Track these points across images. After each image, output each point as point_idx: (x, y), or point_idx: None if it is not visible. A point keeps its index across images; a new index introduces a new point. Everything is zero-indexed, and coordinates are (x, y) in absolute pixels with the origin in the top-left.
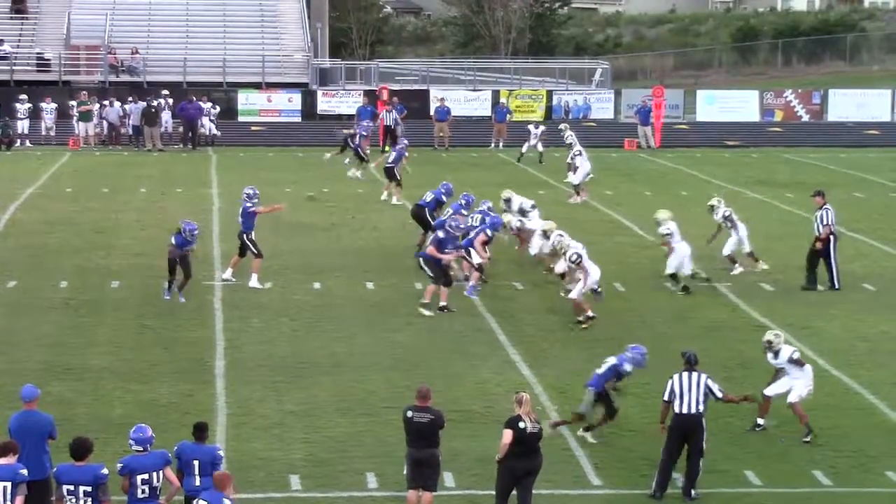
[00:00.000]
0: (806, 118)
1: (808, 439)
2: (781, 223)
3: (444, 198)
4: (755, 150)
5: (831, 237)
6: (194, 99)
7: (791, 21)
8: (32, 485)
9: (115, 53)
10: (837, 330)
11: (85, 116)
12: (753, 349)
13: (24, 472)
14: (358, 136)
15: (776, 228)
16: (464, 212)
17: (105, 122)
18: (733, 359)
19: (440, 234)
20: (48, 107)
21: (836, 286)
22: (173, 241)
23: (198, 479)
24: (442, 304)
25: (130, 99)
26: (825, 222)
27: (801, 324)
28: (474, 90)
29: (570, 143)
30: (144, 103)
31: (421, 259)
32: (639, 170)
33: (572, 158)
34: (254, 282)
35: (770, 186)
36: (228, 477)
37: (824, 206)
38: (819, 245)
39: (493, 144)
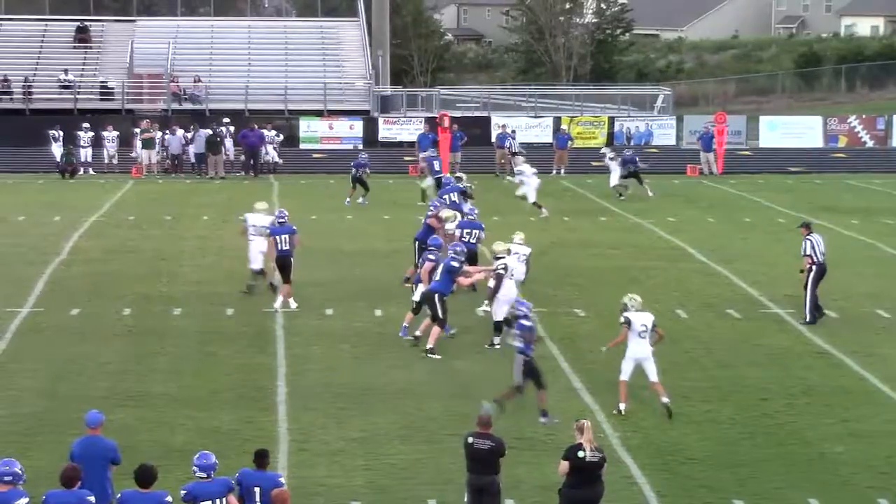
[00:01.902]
0: (870, 144)
1: None
2: (844, 250)
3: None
4: (818, 176)
5: (813, 268)
6: (256, 127)
7: (854, 46)
8: None
9: (177, 82)
10: None
11: (147, 144)
12: (817, 376)
13: (92, 498)
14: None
15: (839, 255)
16: (439, 219)
17: (167, 150)
18: (796, 386)
19: (450, 268)
20: (110, 135)
21: (808, 319)
22: None
23: None
24: (418, 333)
25: (192, 127)
26: (806, 252)
27: (866, 351)
28: (535, 117)
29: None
30: (209, 131)
31: (436, 295)
32: (702, 196)
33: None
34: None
35: (834, 213)
36: (287, 495)
37: (807, 237)
38: (801, 275)
39: (554, 171)
